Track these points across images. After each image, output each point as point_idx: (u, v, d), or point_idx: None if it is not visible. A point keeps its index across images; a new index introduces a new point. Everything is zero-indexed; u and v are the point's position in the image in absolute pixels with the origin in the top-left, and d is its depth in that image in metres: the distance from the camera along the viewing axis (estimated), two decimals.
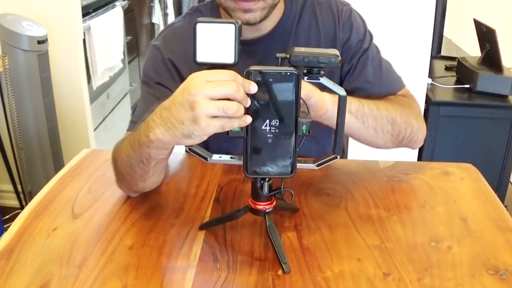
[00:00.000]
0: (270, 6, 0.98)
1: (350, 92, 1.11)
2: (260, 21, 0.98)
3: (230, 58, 0.73)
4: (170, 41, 1.08)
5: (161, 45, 1.08)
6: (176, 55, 1.06)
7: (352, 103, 0.94)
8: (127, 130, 1.07)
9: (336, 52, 0.76)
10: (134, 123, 1.05)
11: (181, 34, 1.08)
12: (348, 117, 0.91)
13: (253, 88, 0.70)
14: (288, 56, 0.75)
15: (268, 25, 1.06)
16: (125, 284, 0.73)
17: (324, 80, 0.76)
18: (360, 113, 0.95)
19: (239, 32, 0.73)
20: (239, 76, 0.70)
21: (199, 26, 0.72)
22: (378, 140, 1.00)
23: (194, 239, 0.83)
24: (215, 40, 0.73)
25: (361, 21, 1.10)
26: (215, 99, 0.68)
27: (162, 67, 1.07)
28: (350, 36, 1.07)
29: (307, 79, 0.76)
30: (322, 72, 0.75)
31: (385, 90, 1.09)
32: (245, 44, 1.05)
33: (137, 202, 0.94)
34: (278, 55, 0.77)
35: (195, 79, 0.70)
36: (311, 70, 0.75)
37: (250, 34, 1.06)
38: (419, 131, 1.04)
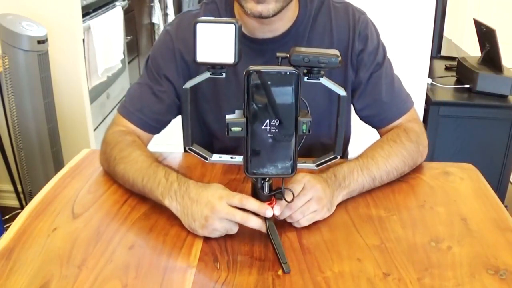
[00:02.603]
0: (284, 0, 0.95)
1: (361, 109, 1.12)
2: (273, 15, 0.95)
3: (230, 58, 0.73)
4: (183, 29, 1.08)
5: (174, 32, 1.09)
6: (186, 45, 1.06)
7: (365, 185, 0.96)
8: (118, 112, 1.10)
9: (336, 52, 0.76)
10: (127, 109, 1.09)
11: None
12: (360, 190, 0.96)
13: (269, 212, 0.80)
14: (288, 55, 0.75)
15: (281, 27, 1.04)
16: (125, 284, 0.73)
17: (324, 80, 0.76)
18: (373, 184, 0.97)
19: (239, 32, 0.73)
20: (258, 204, 0.80)
21: (199, 26, 0.72)
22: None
23: (194, 239, 0.83)
24: (215, 40, 0.73)
25: (375, 33, 1.09)
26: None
27: (171, 57, 1.08)
28: (365, 47, 1.07)
29: (307, 79, 0.76)
30: (322, 72, 0.75)
31: (396, 110, 1.09)
32: (255, 43, 1.04)
33: (137, 202, 0.94)
34: (278, 54, 0.77)
35: (222, 200, 0.80)
36: (311, 70, 0.75)
37: (262, 34, 1.04)
38: (424, 154, 1.07)
